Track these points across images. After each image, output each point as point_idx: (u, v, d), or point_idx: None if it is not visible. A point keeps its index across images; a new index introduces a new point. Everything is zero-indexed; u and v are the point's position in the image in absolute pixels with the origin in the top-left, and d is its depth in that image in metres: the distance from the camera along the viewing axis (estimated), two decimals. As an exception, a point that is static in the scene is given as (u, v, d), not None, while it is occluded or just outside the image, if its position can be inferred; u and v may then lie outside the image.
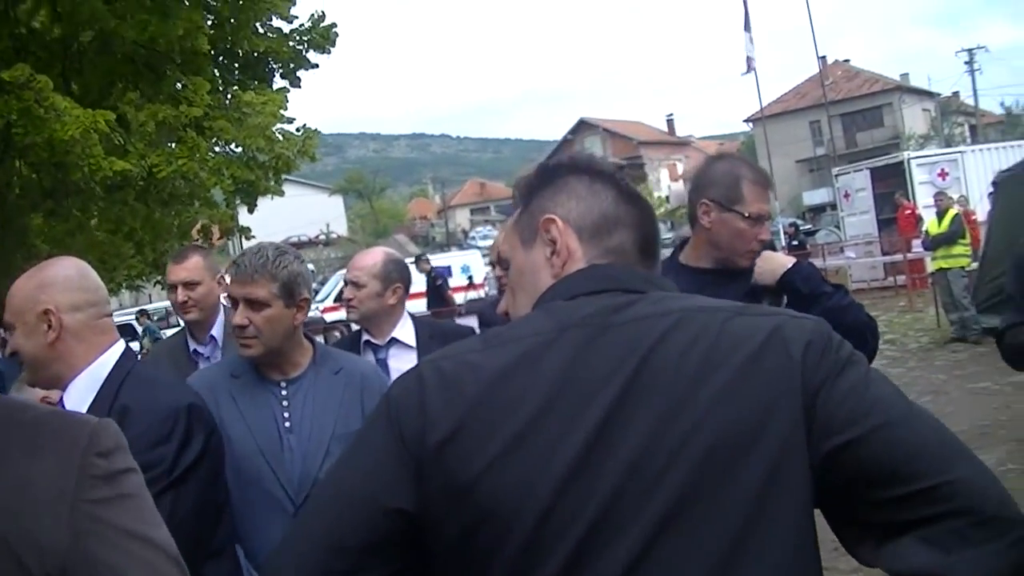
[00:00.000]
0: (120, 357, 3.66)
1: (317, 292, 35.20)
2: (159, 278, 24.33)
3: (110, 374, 3.58)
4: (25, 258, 21.35)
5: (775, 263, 4.40)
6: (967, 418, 12.37)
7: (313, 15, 16.89)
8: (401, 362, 5.22)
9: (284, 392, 4.31)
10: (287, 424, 4.23)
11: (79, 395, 3.54)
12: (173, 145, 15.00)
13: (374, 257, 5.47)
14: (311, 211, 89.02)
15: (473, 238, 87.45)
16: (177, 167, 14.70)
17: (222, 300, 5.84)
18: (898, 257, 28.19)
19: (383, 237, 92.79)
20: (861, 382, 1.92)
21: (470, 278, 40.28)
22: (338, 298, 19.76)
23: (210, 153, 16.65)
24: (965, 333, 18.74)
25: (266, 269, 4.24)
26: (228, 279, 4.49)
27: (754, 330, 1.96)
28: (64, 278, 3.66)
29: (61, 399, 3.61)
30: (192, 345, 5.84)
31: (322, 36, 16.89)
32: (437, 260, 42.81)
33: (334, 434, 4.21)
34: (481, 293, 38.58)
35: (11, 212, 16.62)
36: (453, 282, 39.66)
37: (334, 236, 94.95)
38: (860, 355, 1.99)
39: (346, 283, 5.47)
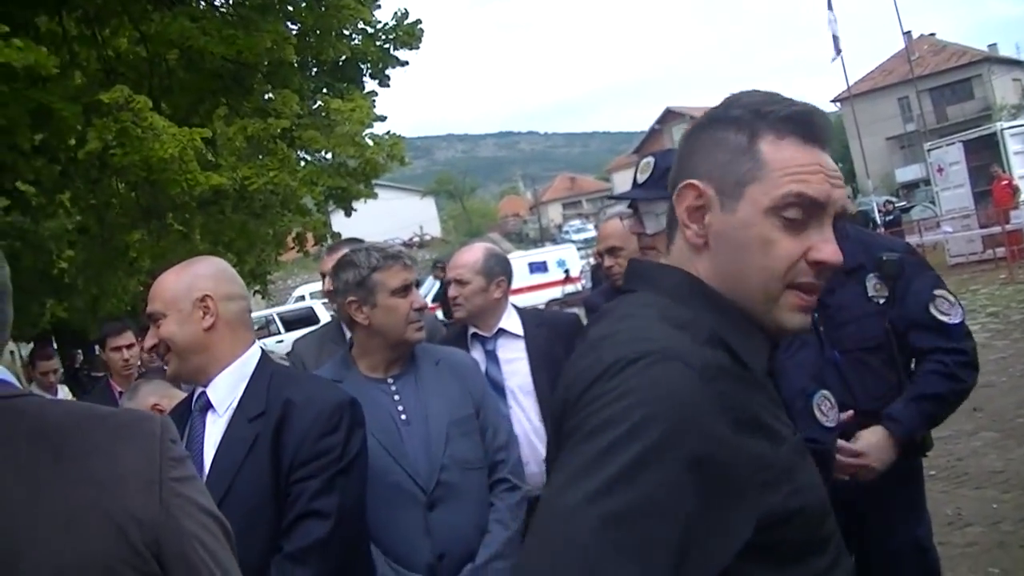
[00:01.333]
0: (262, 355, 3.78)
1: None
2: (257, 287, 24.70)
3: (255, 371, 3.70)
4: (128, 274, 21.76)
5: (884, 457, 4.49)
6: (1073, 388, 12.19)
7: (397, 12, 16.94)
8: (509, 352, 5.37)
9: (393, 387, 4.41)
10: (403, 417, 4.33)
11: (226, 389, 3.66)
12: (263, 157, 15.12)
13: (475, 254, 5.53)
14: (404, 214, 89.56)
15: (567, 232, 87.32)
16: (269, 179, 14.82)
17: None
18: (996, 229, 27.73)
19: (476, 236, 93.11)
20: None
21: (567, 271, 40.27)
22: (436, 298, 19.77)
23: (300, 163, 16.84)
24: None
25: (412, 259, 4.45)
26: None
27: None
28: (217, 270, 3.81)
29: (189, 401, 3.76)
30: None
31: (408, 33, 16.90)
32: (533, 256, 42.83)
33: (451, 420, 4.33)
34: (579, 287, 38.54)
35: (111, 230, 16.88)
36: (549, 276, 39.69)
37: (428, 238, 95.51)
38: None
39: (449, 282, 5.54)
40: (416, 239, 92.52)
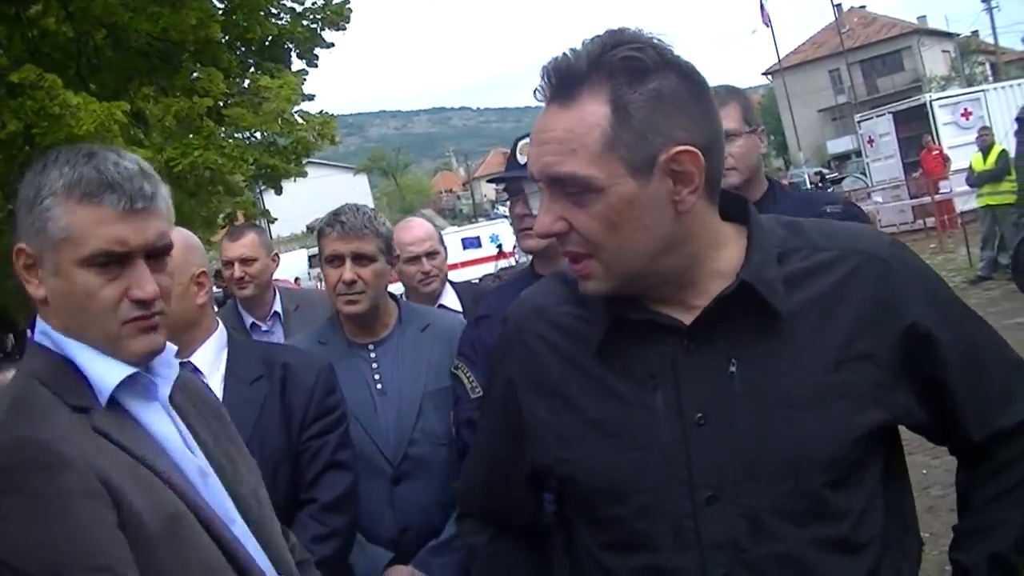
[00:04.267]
0: (226, 327, 3.94)
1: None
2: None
3: (229, 341, 3.87)
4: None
5: None
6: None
7: (324, -9, 16.87)
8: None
9: (373, 355, 4.38)
10: (379, 386, 4.29)
11: (210, 360, 3.80)
12: (191, 136, 15.01)
13: (426, 226, 5.68)
14: (336, 192, 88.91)
15: (499, 208, 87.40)
16: (194, 158, 14.73)
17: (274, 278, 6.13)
18: (926, 199, 28.01)
19: (410, 213, 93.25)
20: None
21: (499, 247, 40.31)
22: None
23: (229, 140, 16.67)
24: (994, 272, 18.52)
25: (372, 225, 4.36)
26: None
27: None
28: (198, 244, 3.89)
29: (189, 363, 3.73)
30: (249, 319, 6.02)
31: (336, 13, 16.82)
32: (466, 232, 42.88)
33: (426, 392, 4.26)
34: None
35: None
36: (482, 252, 39.72)
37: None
38: None
39: (416, 258, 5.53)
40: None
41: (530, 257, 4.12)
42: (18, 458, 2.14)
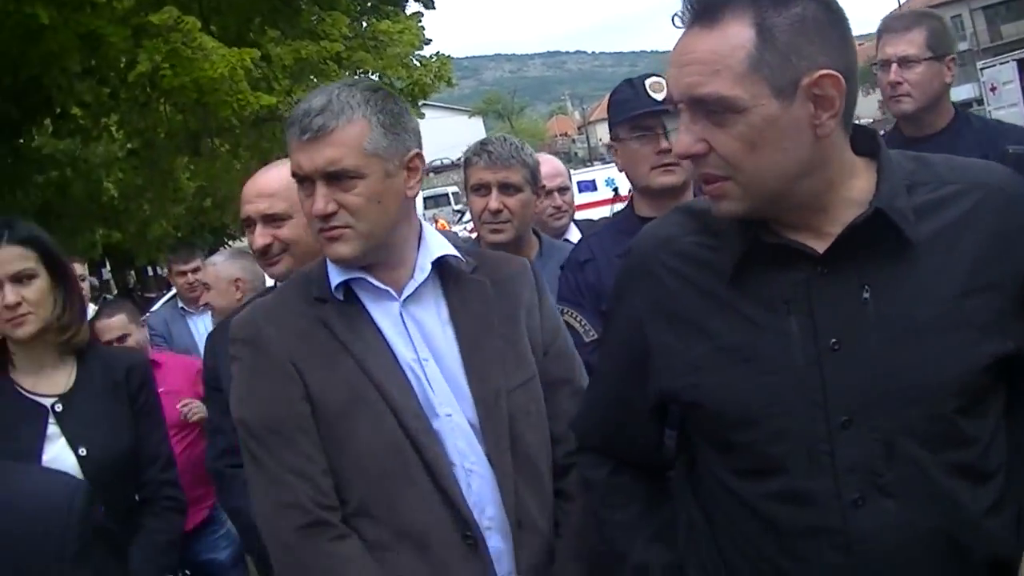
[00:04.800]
0: None
1: (461, 214, 35.63)
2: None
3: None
4: (173, 200, 21.92)
5: None
6: None
7: (443, -69, 16.91)
8: None
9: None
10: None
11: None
12: (314, 79, 15.13)
13: (557, 162, 5.83)
14: (452, 134, 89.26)
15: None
16: (320, 100, 14.83)
17: None
18: (1051, 146, 27.35)
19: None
20: None
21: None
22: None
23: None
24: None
25: (519, 155, 4.40)
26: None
27: None
28: None
29: None
30: None
31: (452, -45, 16.92)
32: (581, 175, 42.77)
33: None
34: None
35: (159, 154, 16.97)
36: (598, 195, 39.56)
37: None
38: None
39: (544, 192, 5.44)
40: (462, 159, 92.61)
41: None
42: (237, 333, 2.90)
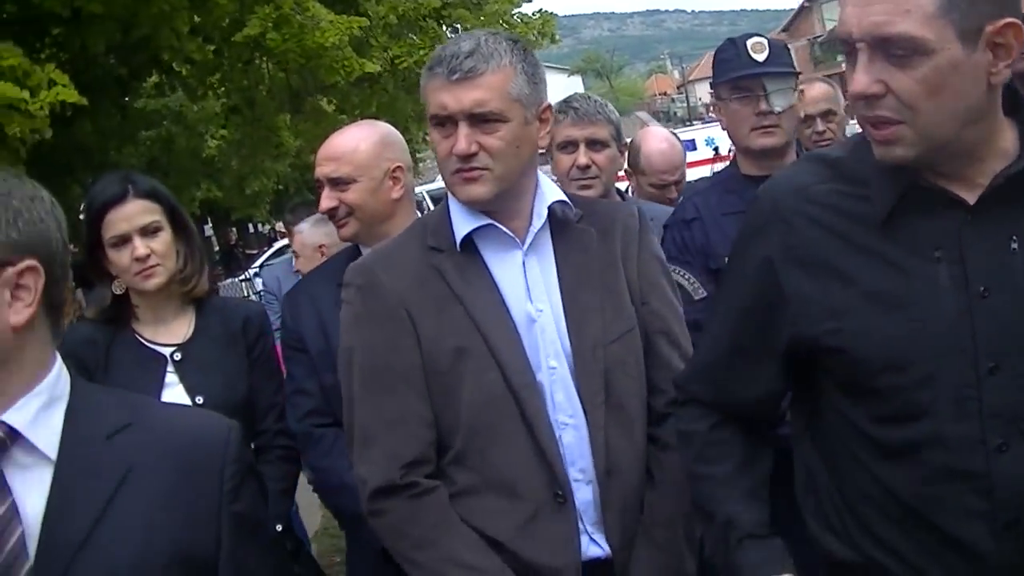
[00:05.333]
0: None
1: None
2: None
3: None
4: (274, 157, 22.12)
5: None
6: None
7: None
8: None
9: None
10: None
11: None
12: (414, 36, 15.19)
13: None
14: (551, 93, 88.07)
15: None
16: (419, 57, 15.00)
17: None
18: None
19: (624, 115, 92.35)
20: None
21: (716, 149, 39.83)
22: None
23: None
24: None
25: (604, 111, 4.45)
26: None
27: None
28: (399, 139, 3.95)
29: None
30: None
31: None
32: (681, 134, 42.45)
33: None
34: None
35: (260, 111, 17.14)
36: (698, 155, 39.29)
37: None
38: None
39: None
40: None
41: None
42: (352, 279, 2.98)
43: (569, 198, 3.05)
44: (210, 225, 37.19)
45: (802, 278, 2.29)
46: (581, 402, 2.88)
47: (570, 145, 4.41)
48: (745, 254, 2.47)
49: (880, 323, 2.18)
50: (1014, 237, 2.13)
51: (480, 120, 2.78)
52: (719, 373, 2.56)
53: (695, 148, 39.70)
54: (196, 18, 12.69)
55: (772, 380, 2.49)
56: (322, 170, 3.77)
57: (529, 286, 2.91)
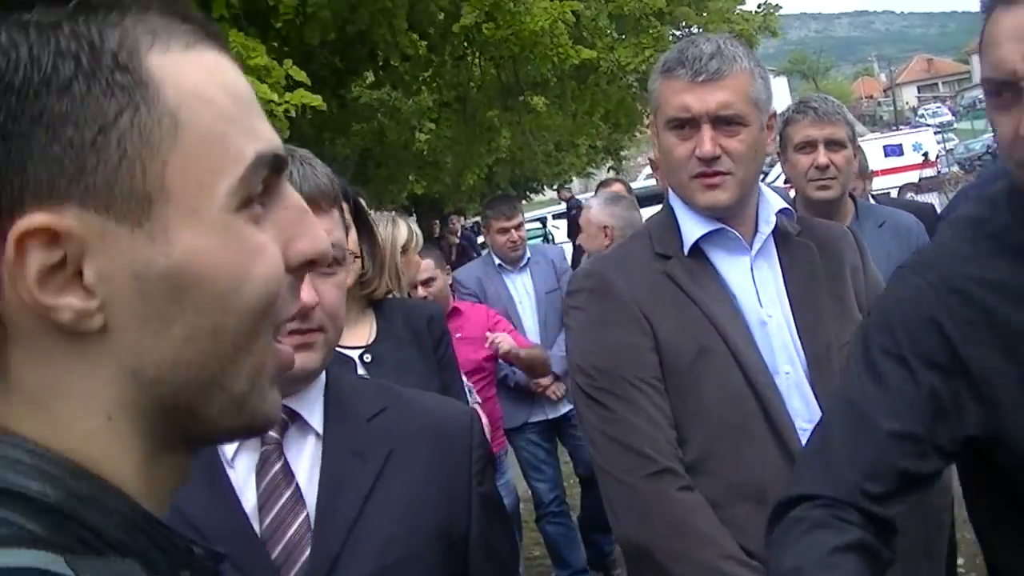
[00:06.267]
0: None
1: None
2: (611, 162, 25.47)
3: None
4: (487, 152, 22.46)
5: None
6: None
7: None
8: None
9: None
10: None
11: None
12: (637, 36, 15.25)
13: None
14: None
15: (922, 116, 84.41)
16: (644, 57, 15.04)
17: None
18: None
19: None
20: None
21: (925, 155, 38.96)
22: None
23: (672, 41, 16.92)
24: None
25: (841, 112, 4.45)
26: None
27: None
28: None
29: None
30: None
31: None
32: (888, 139, 41.62)
33: None
34: (935, 171, 37.35)
35: (474, 107, 17.37)
36: (905, 160, 38.48)
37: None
38: None
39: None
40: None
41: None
42: (583, 284, 2.97)
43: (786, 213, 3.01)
44: (414, 217, 37.88)
45: (991, 355, 2.04)
46: (820, 406, 2.76)
47: (808, 145, 4.39)
48: (910, 335, 2.14)
49: None
50: None
51: (723, 123, 2.75)
52: (865, 465, 2.12)
53: (902, 153, 39.13)
54: (412, 14, 12.91)
55: (925, 479, 2.12)
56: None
57: (759, 291, 2.87)
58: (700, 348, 2.76)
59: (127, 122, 0.89)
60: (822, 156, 4.33)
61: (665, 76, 2.82)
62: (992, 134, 2.19)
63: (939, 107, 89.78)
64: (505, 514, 2.32)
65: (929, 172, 37.69)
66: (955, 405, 2.03)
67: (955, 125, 73.47)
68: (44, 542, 0.84)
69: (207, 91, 0.95)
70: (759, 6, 17.14)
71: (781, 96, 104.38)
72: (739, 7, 16.76)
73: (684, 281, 2.82)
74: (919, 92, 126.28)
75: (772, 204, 2.94)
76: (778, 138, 4.42)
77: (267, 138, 1.00)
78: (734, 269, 2.89)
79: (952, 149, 48.44)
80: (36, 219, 0.86)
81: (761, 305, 2.86)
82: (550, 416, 7.11)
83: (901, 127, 68.73)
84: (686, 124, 2.78)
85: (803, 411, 2.80)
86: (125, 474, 0.95)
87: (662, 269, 2.85)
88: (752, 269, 2.89)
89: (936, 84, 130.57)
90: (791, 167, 4.51)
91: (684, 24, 16.24)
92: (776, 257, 2.95)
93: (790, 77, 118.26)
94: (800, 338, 2.85)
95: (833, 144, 4.35)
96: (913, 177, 38.06)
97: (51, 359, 0.92)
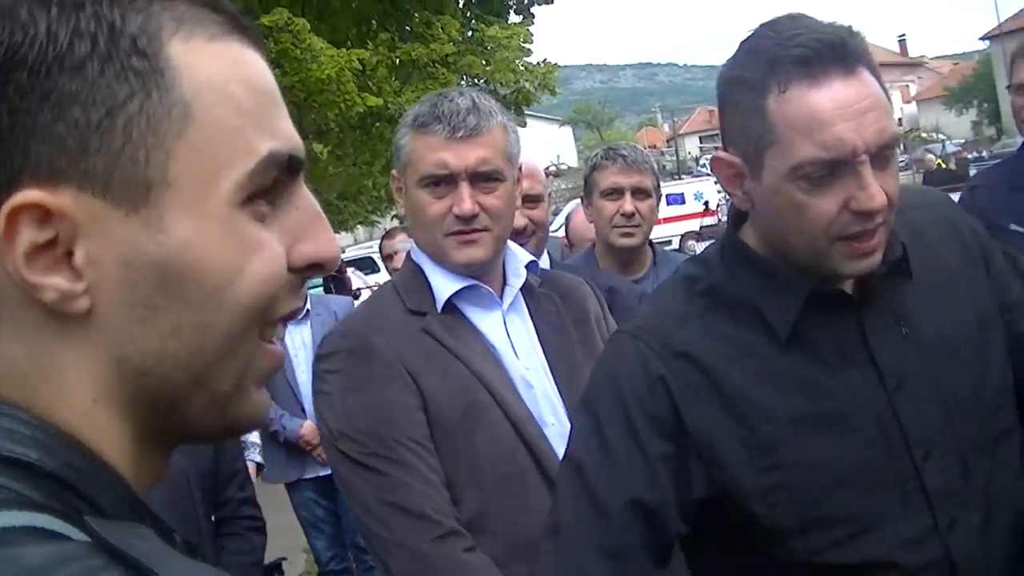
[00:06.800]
0: None
1: (550, 223, 35.56)
2: (395, 212, 25.62)
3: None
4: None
5: None
6: None
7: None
8: None
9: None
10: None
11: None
12: (426, 82, 15.38)
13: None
14: (542, 142, 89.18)
15: (704, 165, 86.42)
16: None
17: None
18: None
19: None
20: None
21: (706, 204, 40.06)
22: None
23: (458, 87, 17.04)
24: None
25: (648, 161, 4.51)
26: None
27: None
28: None
29: None
30: None
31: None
32: (669, 188, 42.69)
33: None
34: (715, 220, 38.39)
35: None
36: (686, 208, 39.47)
37: (564, 167, 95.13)
38: None
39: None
40: (553, 168, 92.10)
41: None
42: (339, 344, 2.81)
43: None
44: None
45: (713, 417, 2.08)
46: None
47: (615, 192, 4.42)
48: (629, 403, 2.15)
49: (820, 445, 2.05)
50: (901, 323, 2.11)
51: (481, 179, 2.73)
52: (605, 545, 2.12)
53: (684, 201, 40.04)
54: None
55: (665, 545, 2.14)
56: None
57: (514, 345, 2.86)
58: (468, 403, 2.69)
59: (136, 107, 0.92)
60: (628, 203, 4.37)
61: (418, 131, 2.76)
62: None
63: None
64: None
65: (710, 220, 38.55)
66: (684, 468, 2.06)
67: (734, 175, 75.02)
68: (43, 507, 0.84)
69: (226, 84, 0.97)
70: (539, 63, 17.33)
71: (566, 145, 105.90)
72: (524, 58, 16.95)
73: (444, 337, 2.76)
74: (701, 142, 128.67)
75: (519, 258, 2.95)
76: (583, 182, 4.63)
77: (285, 137, 1.02)
78: (489, 324, 2.85)
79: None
80: (30, 195, 0.88)
81: (519, 358, 2.84)
82: (324, 473, 6.70)
83: (683, 176, 70.38)
84: (442, 181, 2.73)
85: None
86: (113, 458, 0.96)
87: (420, 326, 2.78)
88: (505, 323, 2.88)
89: (718, 135, 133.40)
90: (596, 212, 4.52)
91: (471, 74, 16.41)
92: (526, 310, 2.94)
93: (575, 127, 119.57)
94: (560, 390, 2.84)
95: (639, 192, 4.40)
96: (694, 225, 38.96)
97: (37, 338, 0.93)
